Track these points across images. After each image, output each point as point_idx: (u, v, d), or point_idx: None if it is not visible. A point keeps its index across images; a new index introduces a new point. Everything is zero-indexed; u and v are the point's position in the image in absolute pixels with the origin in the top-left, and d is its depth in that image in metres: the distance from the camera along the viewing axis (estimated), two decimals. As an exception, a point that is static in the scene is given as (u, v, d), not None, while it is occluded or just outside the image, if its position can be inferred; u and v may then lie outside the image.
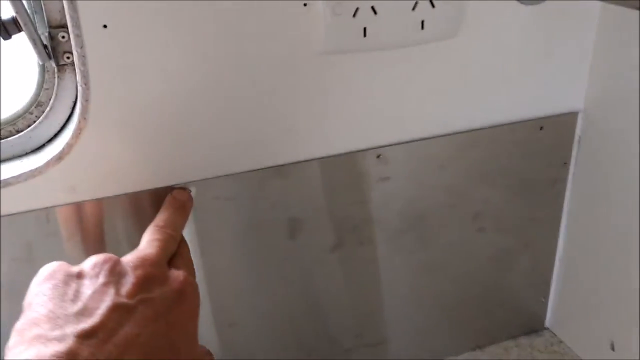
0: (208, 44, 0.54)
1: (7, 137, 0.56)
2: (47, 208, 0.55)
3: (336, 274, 0.70)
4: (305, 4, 0.55)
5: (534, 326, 0.85)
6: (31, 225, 0.55)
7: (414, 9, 0.57)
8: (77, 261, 0.57)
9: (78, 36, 0.50)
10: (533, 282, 0.81)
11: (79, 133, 0.53)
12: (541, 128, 0.70)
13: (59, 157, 0.53)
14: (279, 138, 0.60)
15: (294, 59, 0.57)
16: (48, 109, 0.55)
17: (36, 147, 0.56)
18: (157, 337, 0.42)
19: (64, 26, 0.53)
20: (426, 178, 0.68)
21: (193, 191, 0.59)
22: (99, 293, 0.42)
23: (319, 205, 0.65)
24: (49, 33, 0.52)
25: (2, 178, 0.53)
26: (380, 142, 0.64)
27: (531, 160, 0.72)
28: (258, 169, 0.61)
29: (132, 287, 0.43)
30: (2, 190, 0.53)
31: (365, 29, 0.57)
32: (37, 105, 0.56)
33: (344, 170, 0.64)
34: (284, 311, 0.70)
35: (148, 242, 0.49)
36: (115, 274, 0.44)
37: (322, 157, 0.63)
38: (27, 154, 0.56)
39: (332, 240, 0.67)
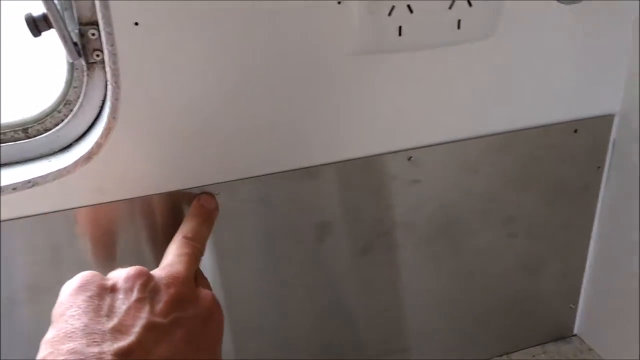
0: (240, 44, 0.53)
1: (35, 136, 0.55)
2: (75, 209, 0.54)
3: (364, 278, 0.69)
4: (339, 2, 0.54)
5: (562, 333, 0.83)
6: (60, 226, 0.55)
7: (450, 7, 0.56)
8: (105, 262, 0.57)
9: (109, 34, 0.49)
10: (562, 288, 0.80)
11: (108, 132, 0.52)
12: (575, 131, 0.69)
13: (88, 157, 0.53)
14: (310, 140, 0.59)
15: (326, 59, 0.56)
16: (77, 107, 0.54)
17: (64, 146, 0.56)
18: (188, 358, 0.43)
19: (94, 23, 0.52)
20: (457, 181, 0.67)
21: (221, 193, 0.58)
22: (133, 309, 0.42)
23: (347, 208, 0.64)
24: (79, 30, 0.52)
25: (30, 177, 0.52)
26: (411, 144, 0.63)
27: (564, 164, 0.71)
28: (287, 171, 0.60)
29: (165, 306, 0.43)
30: (29, 190, 0.52)
31: (400, 28, 0.55)
32: (66, 103, 0.55)
33: (374, 173, 0.63)
34: (310, 315, 0.69)
35: (177, 257, 0.49)
36: (148, 289, 0.44)
37: (353, 159, 0.62)
38: (54, 153, 0.55)
39: (360, 244, 0.66)
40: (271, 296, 0.66)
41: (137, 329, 0.41)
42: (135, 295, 0.43)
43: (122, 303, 0.42)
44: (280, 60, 0.55)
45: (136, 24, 0.49)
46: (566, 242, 0.76)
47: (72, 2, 0.51)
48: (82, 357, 0.38)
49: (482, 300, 0.76)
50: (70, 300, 0.42)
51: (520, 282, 0.77)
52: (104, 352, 0.38)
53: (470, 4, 0.56)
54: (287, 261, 0.65)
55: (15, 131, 0.55)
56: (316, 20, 0.54)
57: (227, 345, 0.65)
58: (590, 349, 0.81)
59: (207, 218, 0.55)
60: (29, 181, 0.52)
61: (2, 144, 0.54)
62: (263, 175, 0.59)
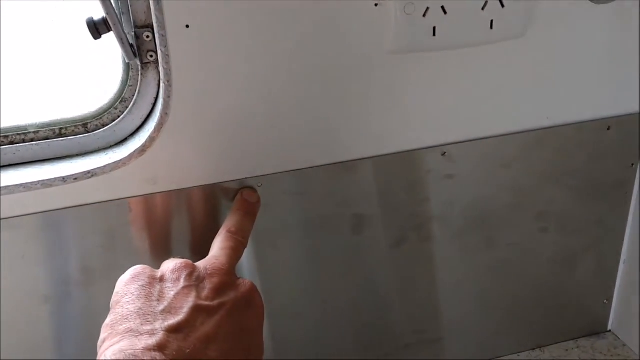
0: (283, 45, 0.56)
1: (94, 131, 0.59)
2: (129, 198, 0.58)
3: (398, 270, 0.71)
4: (376, 4, 0.57)
5: (596, 328, 0.84)
6: (114, 214, 0.59)
7: (483, 8, 0.58)
8: (155, 249, 0.61)
9: (163, 36, 0.53)
10: (596, 283, 0.80)
11: (161, 127, 0.56)
12: (608, 128, 0.70)
13: (142, 150, 0.56)
14: (347, 135, 0.62)
15: (364, 58, 0.59)
16: (132, 104, 0.58)
17: (120, 140, 0.60)
18: (233, 339, 0.46)
19: (148, 26, 0.56)
20: (491, 176, 0.68)
21: (263, 185, 0.61)
22: (181, 295, 0.46)
23: (383, 202, 0.67)
24: (135, 33, 0.56)
25: (89, 169, 0.56)
26: (446, 140, 0.65)
27: (597, 161, 0.72)
28: (326, 165, 0.63)
29: (210, 292, 0.47)
30: (88, 180, 0.57)
31: (434, 28, 0.58)
32: (122, 101, 0.59)
33: (409, 168, 0.66)
34: (345, 304, 0.71)
35: (221, 250, 0.53)
36: (194, 278, 0.48)
37: (389, 154, 0.64)
38: (111, 146, 0.60)
39: (395, 237, 0.69)
40: (308, 285, 0.69)
41: (185, 309, 0.45)
42: (182, 283, 0.47)
43: (170, 290, 0.46)
44: (320, 58, 0.58)
45: (187, 26, 0.53)
46: (600, 237, 0.77)
47: (129, 6, 0.55)
48: (137, 334, 0.42)
49: (515, 294, 0.77)
50: (124, 289, 0.47)
51: (553, 276, 0.78)
52: (156, 329, 0.42)
53: (502, 5, 0.58)
54: (324, 252, 0.67)
55: (76, 126, 0.59)
56: (355, 21, 0.57)
57: (265, 331, 0.67)
58: (624, 345, 0.81)
59: (250, 212, 0.59)
60: (88, 172, 0.56)
61: (64, 138, 0.59)
62: (303, 168, 0.62)
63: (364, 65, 0.59)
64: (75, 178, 0.56)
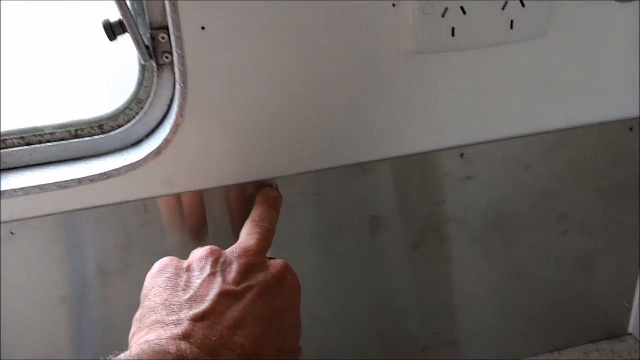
0: (299, 46, 0.56)
1: (109, 132, 0.59)
2: (145, 199, 0.58)
3: (416, 272, 0.70)
4: (394, 5, 0.56)
5: (616, 331, 0.82)
6: (130, 215, 0.59)
7: (503, 8, 0.57)
8: (173, 251, 0.61)
9: (178, 37, 0.52)
10: (617, 286, 0.79)
11: (176, 129, 0.56)
12: (631, 129, 0.68)
13: (157, 152, 0.56)
14: (365, 135, 0.62)
15: (382, 59, 0.58)
16: (147, 105, 0.58)
17: (135, 141, 0.60)
18: (264, 322, 0.45)
19: (163, 27, 0.55)
20: (510, 178, 0.67)
21: (280, 186, 0.61)
22: (207, 282, 0.45)
23: (401, 203, 0.66)
24: (150, 34, 0.55)
25: (105, 170, 0.56)
26: (464, 141, 0.64)
27: (619, 162, 0.70)
28: (344, 166, 0.62)
29: (237, 275, 0.46)
30: (104, 182, 0.57)
31: (453, 28, 0.57)
32: (137, 102, 0.59)
33: (428, 169, 0.65)
34: (363, 305, 0.71)
35: (248, 235, 0.52)
36: (219, 264, 0.47)
37: (407, 155, 0.63)
38: (127, 147, 0.60)
39: (413, 238, 0.68)
40: (325, 287, 0.69)
41: (210, 296, 0.44)
42: (208, 270, 0.46)
43: (196, 278, 0.46)
44: (338, 60, 0.57)
45: (203, 28, 0.52)
46: (621, 240, 0.76)
47: (145, 7, 0.55)
48: (163, 325, 0.42)
49: (534, 296, 0.76)
50: (152, 282, 0.47)
51: (573, 278, 0.77)
52: (181, 319, 0.42)
53: (523, 5, 0.57)
54: (341, 253, 0.67)
55: (91, 127, 0.59)
56: (372, 22, 0.56)
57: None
58: (645, 348, 0.80)
59: (273, 204, 0.58)
60: (104, 173, 0.56)
61: (80, 139, 0.59)
62: (320, 169, 0.62)
63: (382, 66, 0.58)
64: (91, 179, 0.56)
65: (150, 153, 0.56)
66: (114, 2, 0.52)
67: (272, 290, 0.47)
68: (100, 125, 0.60)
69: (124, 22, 0.53)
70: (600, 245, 0.75)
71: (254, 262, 0.48)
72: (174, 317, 0.42)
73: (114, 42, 0.55)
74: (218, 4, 0.52)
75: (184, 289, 0.45)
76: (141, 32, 0.55)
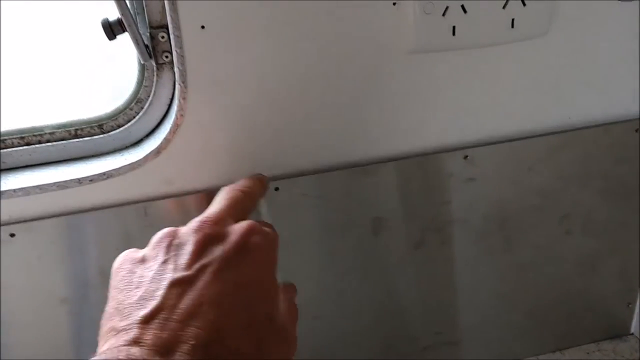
0: (300, 45, 0.55)
1: (109, 132, 0.59)
2: (145, 199, 0.58)
3: (418, 272, 0.70)
4: (394, 4, 0.56)
5: (618, 331, 0.82)
6: (130, 215, 0.58)
7: (504, 7, 0.57)
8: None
9: (178, 36, 0.52)
10: (620, 286, 0.79)
11: (176, 129, 0.56)
12: (636, 130, 0.68)
13: (157, 151, 0.56)
14: (367, 136, 0.61)
15: (383, 58, 0.58)
16: (147, 105, 0.58)
17: (135, 141, 0.60)
18: (223, 301, 0.41)
19: (163, 27, 0.55)
20: (514, 179, 0.67)
21: (281, 187, 0.60)
22: (158, 273, 0.42)
23: (403, 205, 0.66)
24: (150, 33, 0.55)
25: (105, 170, 0.56)
26: (467, 143, 0.64)
27: (624, 163, 0.70)
28: (346, 167, 0.62)
29: (190, 257, 0.42)
30: (104, 182, 0.56)
31: (454, 27, 0.56)
32: (137, 101, 0.59)
33: (430, 170, 0.65)
34: (365, 306, 0.70)
35: (215, 203, 0.49)
36: (173, 248, 0.43)
37: (409, 157, 0.63)
38: (127, 147, 0.59)
39: (415, 239, 0.68)
40: (327, 287, 0.68)
41: (160, 291, 0.40)
42: (160, 258, 0.43)
43: (148, 271, 0.42)
44: (339, 59, 0.57)
45: (202, 27, 0.52)
46: (624, 240, 0.75)
47: (144, 6, 0.55)
48: (115, 333, 0.39)
49: (537, 296, 0.76)
50: (111, 283, 0.43)
51: (576, 279, 0.76)
52: (131, 323, 0.39)
53: (524, 3, 0.57)
54: (343, 255, 0.67)
55: (91, 127, 0.59)
56: (373, 21, 0.56)
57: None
58: (647, 348, 0.80)
59: (257, 178, 0.55)
60: (104, 173, 0.56)
61: (80, 139, 0.59)
62: (322, 170, 0.62)
63: (383, 66, 0.58)
64: (91, 179, 0.56)
65: (150, 153, 0.56)
66: (113, 1, 0.51)
67: (232, 264, 0.42)
68: (100, 125, 0.59)
69: (123, 21, 0.53)
70: (603, 246, 0.75)
71: (211, 234, 0.44)
72: (124, 323, 0.39)
73: (114, 42, 0.55)
74: (218, 3, 0.52)
75: (136, 287, 0.41)
76: (140, 32, 0.54)
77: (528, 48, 0.60)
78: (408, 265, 0.69)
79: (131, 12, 0.53)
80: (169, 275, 0.41)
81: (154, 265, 0.42)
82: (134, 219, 0.59)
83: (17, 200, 0.55)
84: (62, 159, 0.59)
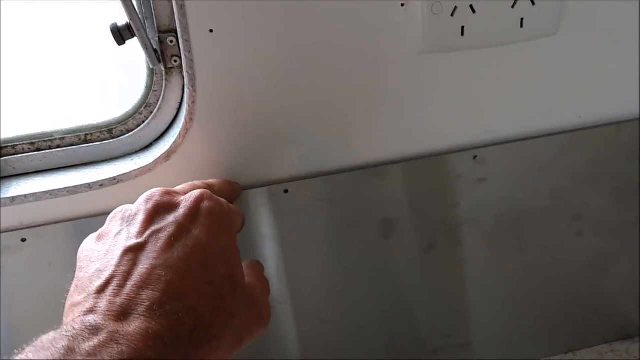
0: (309, 48, 0.55)
1: (119, 137, 0.59)
2: (155, 204, 0.58)
3: (428, 274, 0.70)
4: (402, 4, 0.55)
5: (630, 332, 0.81)
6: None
7: (513, 7, 0.56)
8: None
9: (186, 41, 0.52)
10: (631, 287, 0.78)
11: (186, 133, 0.56)
12: (648, 129, 0.68)
13: (167, 156, 0.56)
14: (375, 137, 0.61)
15: (391, 59, 0.58)
16: (156, 109, 0.58)
17: (145, 145, 0.60)
18: (179, 263, 0.41)
19: (172, 31, 0.55)
20: (524, 180, 0.67)
21: (290, 190, 0.60)
22: (111, 245, 0.42)
23: (413, 206, 0.65)
24: (159, 38, 0.55)
25: (115, 175, 0.56)
26: (477, 143, 0.64)
27: (635, 162, 0.69)
28: (355, 169, 0.62)
29: (142, 224, 0.43)
30: (114, 186, 0.56)
31: (463, 27, 0.56)
32: (146, 106, 0.59)
33: (440, 171, 0.64)
34: (374, 308, 0.70)
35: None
36: (126, 219, 0.44)
37: (418, 157, 0.63)
38: (136, 152, 0.59)
39: (425, 241, 0.67)
40: (336, 290, 0.68)
41: (114, 260, 0.41)
42: (113, 232, 0.43)
43: (104, 245, 0.43)
44: (348, 61, 0.57)
45: (211, 31, 0.52)
46: (635, 241, 0.74)
47: (153, 11, 0.55)
48: (74, 307, 0.40)
49: (548, 297, 0.75)
50: (77, 264, 0.44)
51: (587, 279, 0.76)
52: (87, 295, 0.39)
53: (533, 3, 0.56)
54: (353, 257, 0.66)
55: (101, 132, 0.59)
56: (381, 22, 0.56)
57: (291, 334, 0.67)
58: (660, 349, 0.79)
59: (230, 182, 0.56)
60: (114, 178, 0.56)
61: (90, 144, 0.59)
62: (331, 173, 0.61)
63: (391, 67, 0.58)
64: (101, 184, 0.56)
65: (160, 157, 0.56)
66: (121, 5, 0.52)
67: (184, 228, 0.43)
68: (109, 130, 0.60)
69: (132, 25, 0.53)
70: (614, 246, 0.74)
71: (162, 203, 0.44)
72: (82, 296, 0.40)
73: (123, 47, 0.55)
74: (226, 6, 0.52)
75: (93, 262, 0.42)
76: (149, 36, 0.54)
77: (538, 48, 0.60)
78: (417, 267, 0.69)
79: (140, 16, 0.53)
80: (122, 244, 0.42)
81: (108, 240, 0.43)
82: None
83: (28, 206, 0.55)
84: (72, 164, 0.59)
